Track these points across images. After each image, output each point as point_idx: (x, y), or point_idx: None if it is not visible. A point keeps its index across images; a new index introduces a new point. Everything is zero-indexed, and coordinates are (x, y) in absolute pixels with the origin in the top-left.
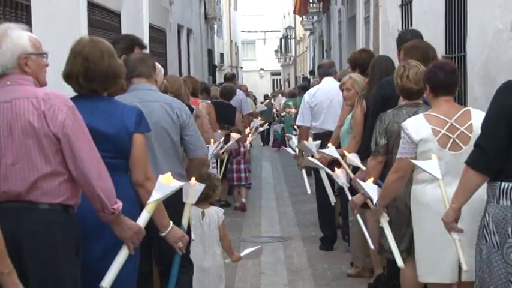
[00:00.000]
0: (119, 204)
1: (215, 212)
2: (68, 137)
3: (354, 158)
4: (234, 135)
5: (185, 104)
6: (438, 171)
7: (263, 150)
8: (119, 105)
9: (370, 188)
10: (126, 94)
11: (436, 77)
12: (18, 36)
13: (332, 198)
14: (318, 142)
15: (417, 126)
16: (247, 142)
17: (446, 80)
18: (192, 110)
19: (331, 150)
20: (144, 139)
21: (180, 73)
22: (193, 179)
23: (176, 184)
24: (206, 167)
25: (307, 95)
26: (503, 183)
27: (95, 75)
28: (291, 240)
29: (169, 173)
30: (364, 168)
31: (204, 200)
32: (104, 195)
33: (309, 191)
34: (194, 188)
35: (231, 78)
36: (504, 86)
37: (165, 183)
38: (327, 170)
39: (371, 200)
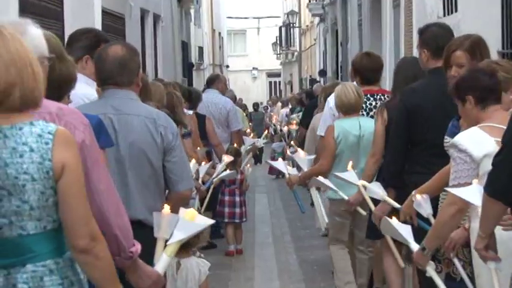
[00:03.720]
0: (138, 247)
1: (196, 266)
2: (85, 161)
3: (376, 189)
4: (226, 158)
5: (178, 121)
6: (478, 199)
7: (256, 174)
8: None
9: (403, 228)
10: (98, 101)
11: (481, 83)
12: (38, 36)
13: (323, 223)
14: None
15: (476, 140)
16: (247, 167)
17: (493, 85)
18: (184, 126)
19: (349, 175)
20: (105, 156)
21: (144, 73)
22: (166, 206)
23: (203, 221)
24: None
25: (331, 99)
26: None
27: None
28: None
29: (192, 208)
30: (391, 201)
31: (183, 249)
32: (121, 236)
33: (323, 227)
34: (167, 219)
35: (213, 81)
36: None
37: (189, 220)
38: (342, 194)
39: (406, 244)
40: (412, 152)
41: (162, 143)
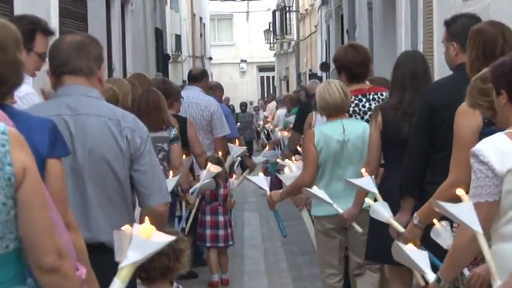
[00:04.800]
0: (82, 271)
1: None
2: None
3: (381, 209)
4: (212, 168)
5: (165, 123)
6: (476, 222)
7: (244, 189)
8: (24, 117)
9: (418, 255)
10: (51, 101)
11: None
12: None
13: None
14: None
15: (503, 149)
16: (233, 179)
17: None
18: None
19: (366, 182)
20: (62, 167)
21: (110, 68)
22: (135, 226)
23: (162, 238)
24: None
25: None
26: None
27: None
28: None
29: (147, 222)
30: (396, 224)
31: (161, 276)
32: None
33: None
34: (132, 239)
35: (198, 77)
36: None
37: (145, 237)
38: (337, 207)
39: (421, 274)
40: (434, 158)
41: (128, 149)
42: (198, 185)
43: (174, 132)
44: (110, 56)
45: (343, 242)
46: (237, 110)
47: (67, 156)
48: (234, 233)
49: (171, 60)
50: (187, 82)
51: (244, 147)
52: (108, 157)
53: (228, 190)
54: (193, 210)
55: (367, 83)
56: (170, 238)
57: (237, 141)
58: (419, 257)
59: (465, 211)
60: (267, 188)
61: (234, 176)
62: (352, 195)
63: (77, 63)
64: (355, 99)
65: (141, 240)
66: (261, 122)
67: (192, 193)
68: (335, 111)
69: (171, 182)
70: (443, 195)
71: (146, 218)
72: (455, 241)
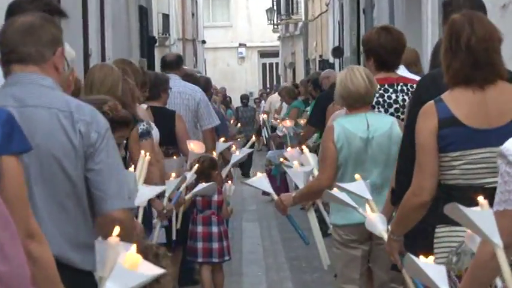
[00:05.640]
0: None
1: None
2: None
3: (376, 221)
4: (195, 147)
5: (128, 114)
6: (496, 234)
7: (243, 194)
8: None
9: (434, 270)
10: None
11: None
12: None
13: (326, 259)
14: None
15: None
16: (228, 184)
17: None
18: (134, 122)
19: (357, 187)
20: (20, 165)
21: (86, 52)
22: (115, 234)
23: (149, 271)
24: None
25: None
26: None
27: None
28: None
29: (133, 249)
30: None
31: None
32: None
33: (325, 265)
34: (116, 250)
35: (174, 64)
36: None
37: (129, 268)
38: (362, 212)
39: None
40: None
41: (81, 145)
42: (182, 188)
43: (142, 126)
44: (86, 39)
45: (366, 253)
46: (236, 103)
47: (27, 151)
48: (230, 247)
49: (157, 43)
50: (161, 69)
51: (247, 151)
52: (58, 155)
53: (224, 196)
54: (180, 218)
55: (399, 72)
56: (159, 271)
57: (238, 137)
58: (435, 272)
59: (484, 220)
60: (271, 190)
61: (230, 180)
62: (379, 203)
63: (25, 49)
64: (380, 89)
65: (125, 271)
66: (262, 116)
67: (170, 200)
68: (358, 101)
69: (171, 184)
70: (407, 206)
71: (115, 230)
72: (475, 255)
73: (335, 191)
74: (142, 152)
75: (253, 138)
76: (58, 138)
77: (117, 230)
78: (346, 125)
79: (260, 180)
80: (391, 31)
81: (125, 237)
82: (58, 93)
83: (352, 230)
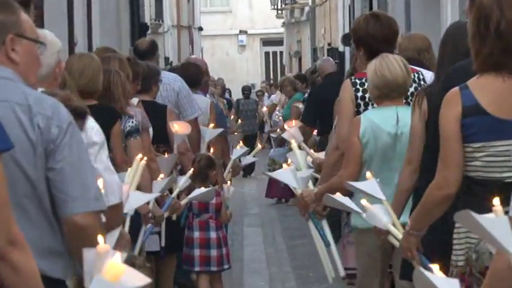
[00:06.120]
0: None
1: None
2: None
3: (378, 212)
4: (178, 128)
5: (83, 105)
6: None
7: (244, 197)
8: None
9: (449, 285)
10: None
11: None
12: None
13: (330, 271)
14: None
15: None
16: (227, 185)
17: None
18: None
19: (369, 186)
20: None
21: (72, 42)
22: (100, 240)
23: (134, 281)
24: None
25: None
26: None
27: None
28: None
29: (117, 257)
30: (395, 232)
31: None
32: None
33: (330, 277)
34: (103, 259)
35: (149, 51)
36: None
37: (110, 280)
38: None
39: None
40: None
41: (40, 142)
42: (174, 193)
43: (131, 123)
44: (72, 26)
45: (388, 261)
46: (236, 95)
47: (8, 150)
48: (230, 254)
49: (149, 31)
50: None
51: (240, 148)
52: (15, 153)
53: (222, 198)
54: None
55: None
56: (145, 280)
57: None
58: (446, 285)
59: (498, 227)
60: (296, 184)
61: (230, 181)
62: (407, 208)
63: None
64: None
65: (105, 284)
66: (265, 110)
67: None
68: (394, 91)
69: (159, 184)
70: (430, 199)
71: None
72: (491, 266)
73: (337, 195)
74: (139, 155)
75: (259, 146)
76: (15, 135)
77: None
78: (373, 119)
79: (286, 173)
80: (380, 18)
81: (89, 245)
82: (18, 85)
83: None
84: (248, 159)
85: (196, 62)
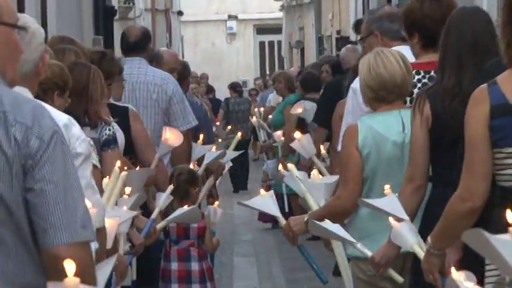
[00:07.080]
0: None
1: None
2: None
3: (406, 233)
4: (170, 137)
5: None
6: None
7: (234, 220)
8: None
9: None
10: None
11: None
12: None
13: None
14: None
15: None
16: (214, 206)
17: None
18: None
19: (389, 203)
20: None
21: (20, 29)
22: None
23: None
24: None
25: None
26: None
27: None
28: None
29: (71, 274)
30: (419, 252)
31: None
32: None
33: None
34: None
35: (141, 44)
36: None
37: None
38: (362, 249)
39: None
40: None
41: (17, 157)
42: (154, 215)
43: (107, 131)
44: (22, 10)
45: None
46: (223, 94)
47: None
48: None
49: (117, 16)
50: (122, 52)
51: (233, 154)
52: None
53: (207, 222)
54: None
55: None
56: None
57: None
58: None
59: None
60: (277, 212)
61: (217, 201)
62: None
63: None
64: (424, 77)
65: None
66: (258, 110)
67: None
68: (392, 93)
69: (126, 202)
70: (453, 213)
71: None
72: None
73: (325, 222)
74: (117, 167)
75: (239, 135)
76: None
77: (71, 268)
78: (374, 126)
79: (264, 200)
80: None
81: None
82: None
83: None
84: (230, 155)
85: (162, 55)
